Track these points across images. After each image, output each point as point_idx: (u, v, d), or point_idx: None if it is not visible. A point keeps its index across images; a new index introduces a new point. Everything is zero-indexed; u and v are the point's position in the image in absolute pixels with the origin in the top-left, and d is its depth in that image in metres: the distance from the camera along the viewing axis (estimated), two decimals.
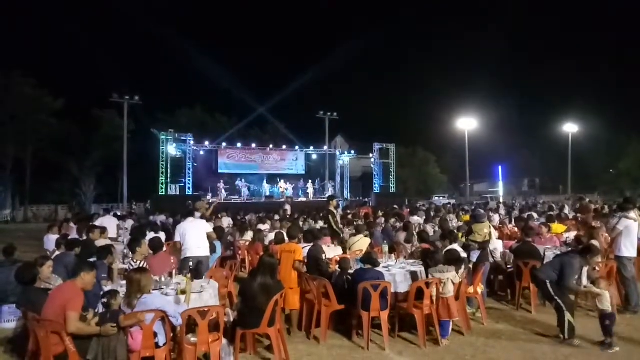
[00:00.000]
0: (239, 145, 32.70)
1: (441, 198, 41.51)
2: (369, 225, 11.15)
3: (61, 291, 4.48)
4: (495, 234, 8.44)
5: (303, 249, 6.64)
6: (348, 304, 5.76)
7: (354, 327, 5.85)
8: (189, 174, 29.83)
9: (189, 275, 5.37)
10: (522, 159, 55.15)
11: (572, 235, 9.31)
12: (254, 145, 33.29)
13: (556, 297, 5.49)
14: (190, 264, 6.22)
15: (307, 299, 6.15)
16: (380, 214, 16.03)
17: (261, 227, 12.42)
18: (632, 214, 7.17)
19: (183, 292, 5.11)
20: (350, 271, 6.07)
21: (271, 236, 10.17)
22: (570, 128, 41.10)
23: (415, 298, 5.62)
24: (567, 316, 5.42)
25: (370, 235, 9.55)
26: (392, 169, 37.01)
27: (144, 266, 5.84)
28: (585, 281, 5.79)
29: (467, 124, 36.64)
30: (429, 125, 56.23)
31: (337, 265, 6.42)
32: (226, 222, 13.91)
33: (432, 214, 15.19)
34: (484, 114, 40.85)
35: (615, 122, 49.44)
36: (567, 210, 17.60)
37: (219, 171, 31.68)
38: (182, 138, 30.13)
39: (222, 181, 30.05)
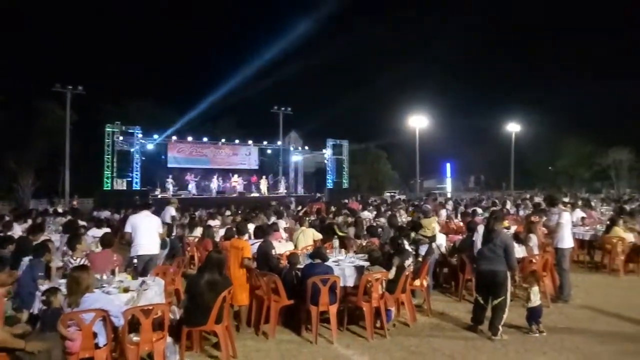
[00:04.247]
0: (189, 139, 31.90)
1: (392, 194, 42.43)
2: (321, 220, 11.27)
3: None
4: (437, 227, 8.74)
5: (252, 245, 6.59)
6: (297, 299, 5.78)
7: (303, 322, 5.88)
8: (137, 168, 28.82)
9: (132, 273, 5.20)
10: (469, 156, 57.37)
11: (513, 229, 9.80)
12: (205, 140, 32.59)
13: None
14: (135, 261, 6.02)
15: (257, 294, 6.11)
16: (333, 209, 16.15)
17: (211, 223, 12.19)
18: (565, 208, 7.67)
19: (126, 290, 4.95)
20: (300, 266, 6.10)
21: (222, 232, 10.02)
22: (513, 127, 43.07)
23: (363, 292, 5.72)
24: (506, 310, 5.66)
25: (321, 229, 9.65)
26: (345, 165, 37.42)
27: (85, 263, 5.60)
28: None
29: (418, 121, 37.56)
30: (381, 123, 57.35)
31: (287, 261, 6.43)
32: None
33: (383, 209, 15.50)
34: (434, 112, 42.05)
35: (554, 122, 52.45)
36: (509, 205, 18.48)
37: (169, 165, 30.84)
38: (130, 131, 29.00)
39: (170, 176, 29.27)
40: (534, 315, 5.77)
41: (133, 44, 66.41)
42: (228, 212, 15.27)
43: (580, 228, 10.65)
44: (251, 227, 8.82)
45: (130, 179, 28.99)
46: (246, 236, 6.55)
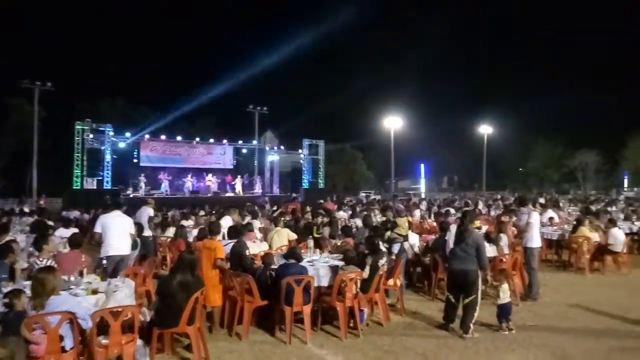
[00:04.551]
0: (162, 137, 31.37)
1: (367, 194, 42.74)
2: (295, 220, 11.25)
3: None
4: (406, 226, 8.87)
5: (226, 246, 6.52)
6: (271, 299, 5.75)
7: (276, 322, 5.84)
8: (108, 166, 28.16)
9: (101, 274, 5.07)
10: (443, 157, 58.34)
11: (484, 229, 9.99)
12: (179, 138, 32.11)
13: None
14: (104, 262, 5.88)
15: (230, 295, 6.05)
16: (308, 209, 16.14)
17: (184, 223, 12.01)
18: (533, 208, 7.88)
19: (94, 292, 4.82)
20: (274, 266, 6.07)
21: (195, 232, 9.88)
22: (486, 130, 43.97)
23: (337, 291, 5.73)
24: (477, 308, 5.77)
25: (295, 229, 9.64)
26: (321, 165, 37.47)
27: (52, 265, 5.43)
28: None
29: (393, 123, 37.94)
30: (357, 123, 57.68)
31: (261, 261, 6.39)
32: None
33: (359, 209, 15.58)
34: (409, 114, 42.50)
35: (525, 125, 53.86)
36: (481, 206, 18.86)
37: (141, 164, 30.26)
38: (101, 129, 28.30)
39: (143, 174, 28.72)
40: (503, 312, 5.90)
41: (106, 41, 64.94)
42: (202, 212, 15.07)
43: (549, 228, 10.94)
44: (227, 223, 8.76)
45: (100, 178, 28.30)
46: (219, 236, 6.46)
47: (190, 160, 32.52)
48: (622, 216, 13.47)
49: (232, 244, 6.63)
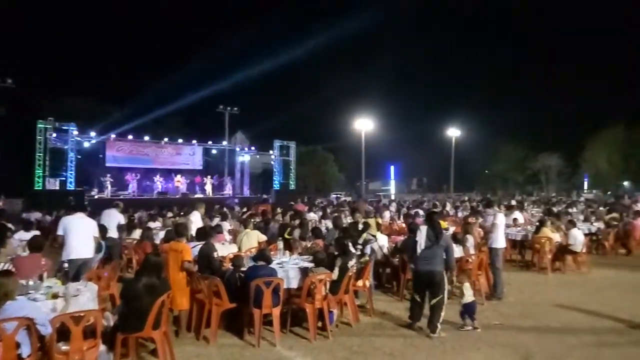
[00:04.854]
0: (130, 137, 30.63)
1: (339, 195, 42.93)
2: (265, 222, 11.18)
3: None
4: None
5: (194, 248, 6.42)
6: (240, 302, 5.69)
7: (245, 325, 5.79)
8: (71, 166, 27.26)
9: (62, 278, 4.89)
10: (412, 160, 59.29)
11: (451, 230, 10.19)
12: (146, 138, 31.43)
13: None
14: (65, 266, 5.68)
15: (197, 298, 5.95)
16: (279, 210, 16.07)
17: (151, 224, 11.75)
18: (499, 210, 8.10)
19: (55, 296, 4.65)
20: (244, 268, 6.01)
21: (163, 234, 9.67)
22: (454, 133, 44.90)
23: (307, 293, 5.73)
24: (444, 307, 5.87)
25: (265, 231, 9.58)
26: (292, 167, 37.40)
27: (9, 268, 5.21)
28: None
29: (364, 125, 38.27)
30: (328, 125, 57.92)
31: (230, 263, 6.32)
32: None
33: (329, 210, 15.63)
34: (379, 116, 42.94)
35: (491, 129, 55.34)
36: (448, 207, 19.24)
37: (107, 164, 29.47)
38: (64, 128, 27.38)
39: (109, 175, 27.97)
40: (468, 310, 6.04)
41: (71, 38, 62.85)
42: (170, 214, 14.80)
43: (513, 229, 11.25)
44: (196, 218, 8.64)
45: (64, 179, 27.37)
46: (185, 238, 6.34)
47: (158, 161, 31.90)
48: (581, 217, 14.01)
49: (200, 246, 6.53)
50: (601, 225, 12.82)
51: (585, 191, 48.84)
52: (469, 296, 6.03)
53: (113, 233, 9.51)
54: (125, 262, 9.67)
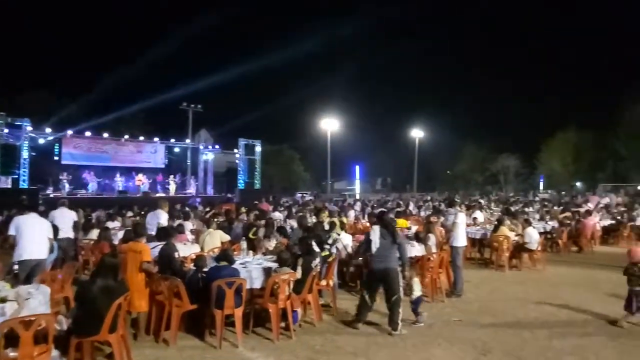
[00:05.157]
0: (88, 134, 29.56)
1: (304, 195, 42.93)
2: (229, 221, 11.03)
3: None
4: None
5: (154, 248, 6.25)
6: (202, 303, 5.58)
7: (207, 327, 5.70)
8: (25, 164, 25.99)
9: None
10: (377, 160, 60.04)
11: (414, 229, 10.38)
12: (106, 135, 30.43)
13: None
14: (15, 267, 5.41)
15: (157, 300, 5.80)
16: (243, 209, 15.90)
17: (110, 224, 11.38)
18: (461, 209, 8.31)
19: (3, 300, 4.43)
20: (206, 269, 5.90)
21: (122, 234, 9.38)
22: (417, 134, 45.74)
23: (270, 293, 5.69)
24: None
25: (229, 230, 9.46)
26: (258, 166, 37.09)
27: None
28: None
29: (330, 124, 38.41)
30: (294, 125, 57.86)
31: (192, 264, 6.20)
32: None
33: (295, 209, 15.60)
34: (345, 116, 43.26)
35: (454, 130, 56.78)
36: (411, 207, 19.57)
37: (63, 162, 28.33)
38: (17, 123, 26.07)
39: (65, 173, 26.89)
40: (417, 304, 6.23)
41: (27, 31, 60.04)
42: (130, 213, 14.39)
43: (472, 227, 11.57)
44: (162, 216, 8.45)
45: (16, 176, 26.06)
46: (144, 239, 6.16)
47: (118, 159, 30.95)
48: (537, 216, 14.57)
49: (160, 246, 6.37)
50: (555, 224, 13.36)
51: (540, 191, 50.80)
52: (417, 291, 6.20)
53: (67, 233, 9.16)
54: (82, 263, 9.32)
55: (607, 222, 15.18)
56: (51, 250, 7.06)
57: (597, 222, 14.11)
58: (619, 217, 15.79)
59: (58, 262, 8.05)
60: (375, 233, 6.09)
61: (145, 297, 5.68)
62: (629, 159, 45.23)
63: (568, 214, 14.85)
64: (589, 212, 14.39)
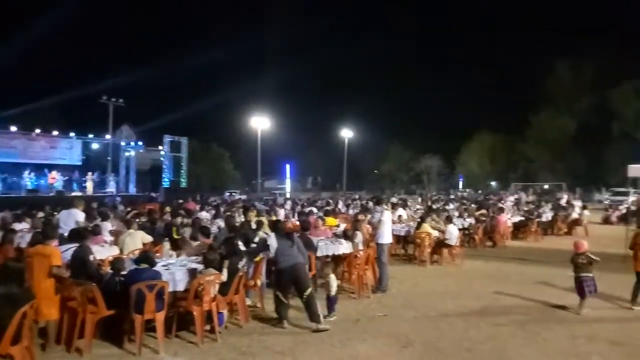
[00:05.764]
0: None
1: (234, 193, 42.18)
2: (152, 222, 10.54)
3: None
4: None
5: (66, 251, 5.81)
6: (120, 308, 5.27)
7: (125, 333, 5.39)
8: None
9: None
10: (308, 159, 60.44)
11: (342, 227, 10.57)
12: (14, 129, 27.88)
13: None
14: None
15: (69, 307, 5.38)
16: (168, 209, 15.27)
17: (17, 226, 10.40)
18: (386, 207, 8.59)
19: None
20: (124, 272, 5.58)
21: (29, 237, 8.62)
22: (347, 133, 46.64)
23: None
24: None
25: (152, 231, 9.04)
26: (184, 163, 35.88)
27: None
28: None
29: (260, 123, 38.04)
30: (224, 123, 56.39)
31: (109, 267, 5.83)
32: None
33: (222, 209, 15.24)
34: (276, 115, 42.99)
35: (381, 131, 58.53)
36: (340, 205, 19.92)
37: None
38: None
39: None
40: (333, 302, 6.40)
41: None
42: (41, 213, 13.27)
43: (397, 225, 11.99)
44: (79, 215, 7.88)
45: None
46: (55, 241, 5.70)
47: (28, 155, 28.51)
48: (456, 214, 15.41)
49: (73, 248, 5.93)
50: (472, 220, 14.23)
51: (460, 190, 53.99)
52: (334, 288, 6.39)
53: None
54: None
55: (518, 218, 16.42)
56: None
57: (509, 218, 15.22)
58: (527, 215, 17.14)
59: None
60: (272, 239, 6.31)
61: (55, 304, 5.24)
62: (537, 160, 49.66)
63: (484, 211, 15.86)
64: (501, 209, 15.48)
